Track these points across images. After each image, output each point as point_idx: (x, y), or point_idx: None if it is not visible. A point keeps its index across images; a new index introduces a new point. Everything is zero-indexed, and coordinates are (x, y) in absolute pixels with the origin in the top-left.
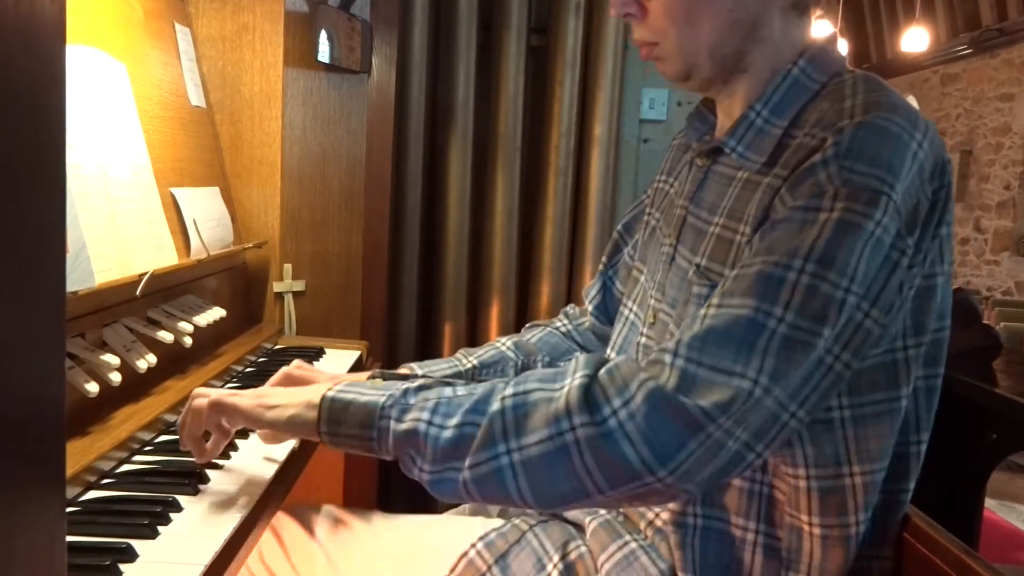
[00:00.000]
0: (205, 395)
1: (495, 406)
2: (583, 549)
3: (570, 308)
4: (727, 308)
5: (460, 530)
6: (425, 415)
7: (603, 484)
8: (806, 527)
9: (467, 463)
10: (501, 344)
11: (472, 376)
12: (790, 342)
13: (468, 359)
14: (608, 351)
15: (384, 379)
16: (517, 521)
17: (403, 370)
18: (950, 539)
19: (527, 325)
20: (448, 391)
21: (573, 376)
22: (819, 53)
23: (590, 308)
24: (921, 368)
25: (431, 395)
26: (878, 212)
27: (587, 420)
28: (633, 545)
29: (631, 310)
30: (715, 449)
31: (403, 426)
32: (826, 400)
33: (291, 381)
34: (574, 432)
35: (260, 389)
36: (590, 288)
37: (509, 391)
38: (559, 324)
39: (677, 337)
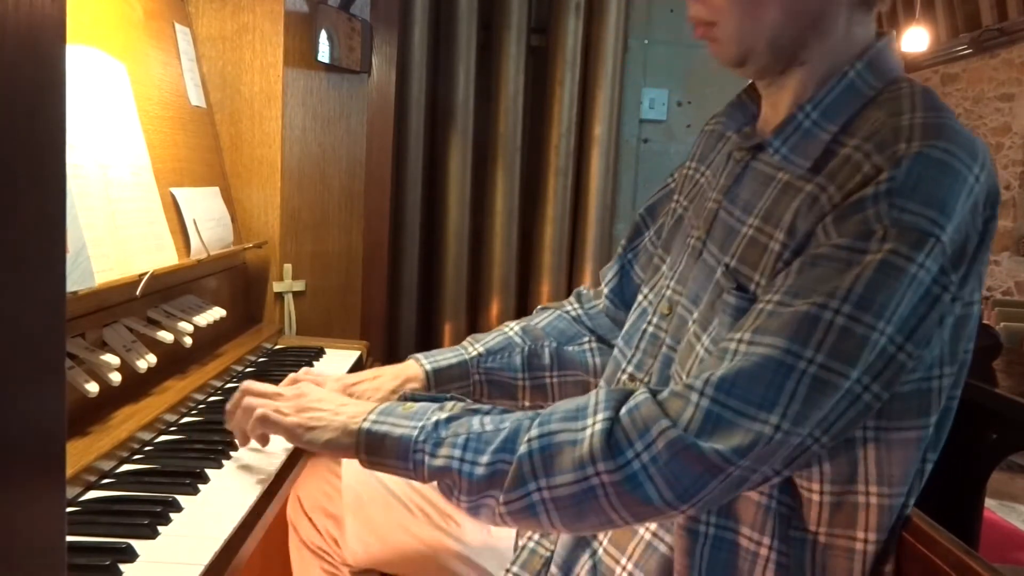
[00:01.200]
0: (256, 397)
1: (523, 447)
2: None
3: (583, 289)
4: (757, 347)
5: None
6: (457, 452)
7: (629, 518)
8: (811, 537)
9: (501, 499)
10: (509, 329)
11: (478, 363)
12: (818, 383)
13: (475, 346)
14: (618, 340)
15: (416, 400)
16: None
17: (409, 361)
18: (950, 539)
19: (538, 308)
20: (476, 424)
21: (595, 417)
22: (878, 56)
23: (605, 291)
24: (947, 392)
25: (460, 429)
26: (922, 255)
27: (611, 466)
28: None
29: (646, 297)
30: (737, 484)
31: (437, 462)
32: (854, 427)
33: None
34: (599, 476)
35: (302, 399)
36: (607, 270)
37: (535, 432)
38: (569, 308)
39: (705, 375)
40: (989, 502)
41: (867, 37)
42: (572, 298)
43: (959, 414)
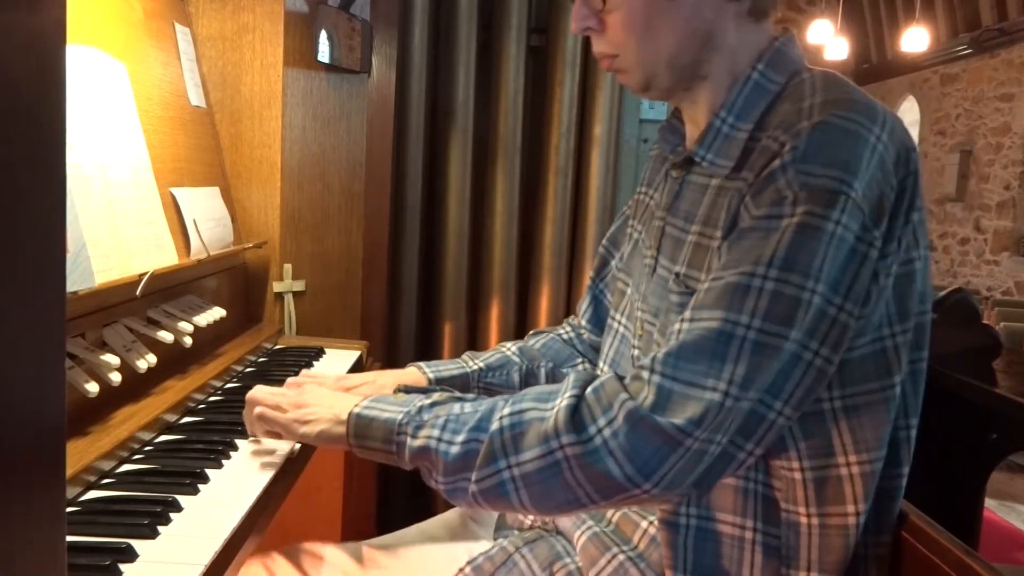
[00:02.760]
0: (255, 402)
1: (495, 425)
2: (572, 567)
3: (572, 318)
4: (698, 322)
5: (451, 554)
6: (435, 432)
7: (594, 496)
8: (804, 519)
9: (474, 477)
10: (506, 349)
11: (478, 378)
12: (759, 347)
13: (475, 361)
14: (600, 364)
15: (407, 392)
16: (505, 543)
17: (411, 368)
18: (950, 539)
19: (531, 332)
20: (456, 408)
21: (563, 396)
22: (775, 55)
23: (583, 322)
24: (907, 353)
25: (441, 412)
26: (836, 212)
27: (574, 440)
28: (622, 557)
29: (619, 323)
30: (697, 458)
31: (417, 442)
32: (813, 394)
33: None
34: (563, 450)
35: (300, 396)
36: (581, 303)
37: (507, 410)
38: (562, 331)
39: (654, 353)
40: (989, 502)
41: (763, 41)
42: (564, 324)
43: (959, 414)
